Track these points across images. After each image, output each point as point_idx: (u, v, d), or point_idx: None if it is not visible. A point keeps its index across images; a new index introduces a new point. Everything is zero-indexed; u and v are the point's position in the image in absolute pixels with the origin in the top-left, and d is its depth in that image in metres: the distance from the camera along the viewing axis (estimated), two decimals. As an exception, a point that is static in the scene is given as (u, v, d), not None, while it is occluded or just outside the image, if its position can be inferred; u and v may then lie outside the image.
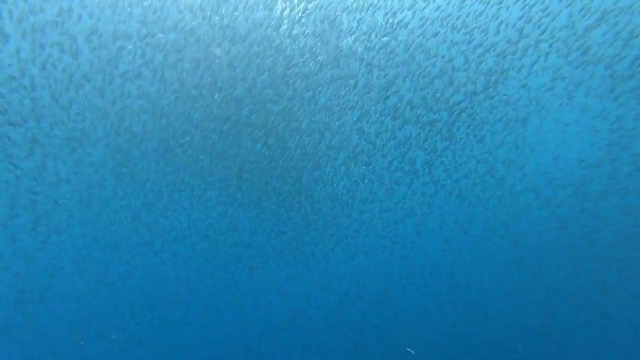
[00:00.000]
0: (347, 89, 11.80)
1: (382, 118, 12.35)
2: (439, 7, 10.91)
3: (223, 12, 10.37)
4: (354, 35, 11.06)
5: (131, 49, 10.44)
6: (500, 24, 11.20)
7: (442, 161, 13.39)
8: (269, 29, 10.69)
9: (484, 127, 12.87)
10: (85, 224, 12.78)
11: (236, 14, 10.43)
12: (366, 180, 13.57)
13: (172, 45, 10.59)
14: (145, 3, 9.98)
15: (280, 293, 15.87)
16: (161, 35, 10.43)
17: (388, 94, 11.48)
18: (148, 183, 12.91)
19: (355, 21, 10.95)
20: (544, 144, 13.38)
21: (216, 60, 11.01)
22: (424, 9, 10.91)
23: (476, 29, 11.28)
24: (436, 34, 11.34)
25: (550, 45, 11.52)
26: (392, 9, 10.87)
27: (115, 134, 11.55)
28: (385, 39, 11.21)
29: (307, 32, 10.80)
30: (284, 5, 10.40)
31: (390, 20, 11.04)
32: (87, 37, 10.05)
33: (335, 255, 15.31)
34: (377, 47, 11.31)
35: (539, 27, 11.18)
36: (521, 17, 11.12)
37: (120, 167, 12.10)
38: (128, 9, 9.94)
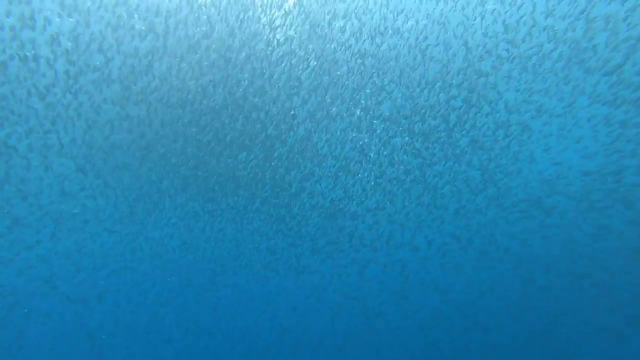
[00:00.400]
0: (337, 96, 11.03)
1: (374, 126, 11.59)
2: (435, 9, 10.20)
3: (205, 18, 9.55)
4: (341, 40, 10.31)
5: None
6: (502, 24, 10.52)
7: (439, 170, 12.66)
8: (253, 35, 9.90)
9: (484, 134, 12.18)
10: (56, 240, 11.86)
11: (218, 19, 9.63)
12: (358, 191, 12.79)
13: (152, 53, 9.75)
14: (121, 10, 9.12)
15: (267, 309, 15.05)
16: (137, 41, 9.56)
17: (380, 100, 10.73)
18: (127, 193, 12.02)
19: (343, 26, 10.20)
20: (546, 151, 12.76)
21: (198, 67, 10.19)
22: (418, 11, 10.18)
23: (475, 32, 10.58)
24: (432, 37, 10.62)
25: (553, 50, 10.88)
26: (382, 12, 10.13)
27: (88, 144, 10.65)
28: (377, 42, 10.46)
29: (292, 37, 10.03)
30: (267, 10, 9.62)
31: (382, 24, 10.30)
32: (57, 42, 9.17)
33: (326, 268, 14.53)
34: (367, 52, 10.55)
35: (542, 30, 10.51)
36: (521, 19, 10.45)
37: (94, 178, 11.19)
38: (107, 13, 9.07)
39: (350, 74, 10.76)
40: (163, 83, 10.14)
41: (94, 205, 11.58)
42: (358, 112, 11.33)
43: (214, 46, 10.06)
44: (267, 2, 9.65)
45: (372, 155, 12.17)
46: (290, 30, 10.00)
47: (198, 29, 9.70)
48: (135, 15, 9.34)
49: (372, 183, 12.78)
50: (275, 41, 10.10)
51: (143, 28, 9.52)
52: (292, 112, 10.87)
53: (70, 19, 9.16)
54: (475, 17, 10.50)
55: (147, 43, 9.70)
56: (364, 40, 10.32)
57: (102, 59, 9.68)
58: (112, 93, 10.15)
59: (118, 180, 11.72)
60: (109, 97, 10.22)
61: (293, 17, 9.85)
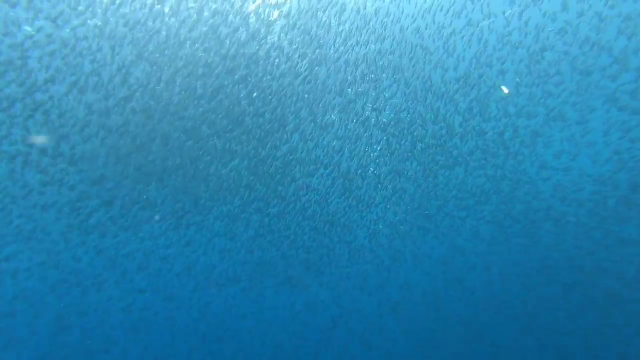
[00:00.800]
0: (335, 103, 10.30)
1: (374, 133, 10.86)
2: (437, 12, 9.55)
3: (195, 20, 8.78)
4: (337, 45, 9.63)
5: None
6: (510, 26, 9.83)
7: (446, 176, 11.93)
8: (246, 39, 9.18)
9: (491, 139, 11.46)
10: (28, 255, 11.01)
11: (209, 23, 8.89)
12: (357, 201, 12.03)
13: (138, 59, 8.96)
14: (98, 13, 8.29)
15: (259, 324, 14.31)
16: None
17: (381, 107, 10.00)
18: (108, 205, 11.15)
19: (339, 28, 9.51)
20: (556, 157, 12.10)
21: (187, 74, 9.43)
22: (420, 16, 9.52)
23: (484, 32, 9.87)
24: (436, 39, 9.93)
25: (566, 52, 10.20)
26: (380, 17, 9.47)
27: (60, 154, 9.77)
28: (378, 45, 9.76)
29: (284, 43, 9.31)
30: (257, 16, 8.92)
31: (381, 29, 9.63)
32: (27, 47, 8.32)
33: (322, 281, 13.78)
34: (366, 56, 9.85)
35: (557, 33, 9.81)
36: (527, 21, 9.77)
37: (67, 190, 10.31)
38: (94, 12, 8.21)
39: (348, 80, 10.04)
40: (147, 90, 9.35)
41: (68, 217, 10.71)
42: (357, 119, 10.61)
43: (202, 48, 9.30)
44: (258, 8, 8.98)
45: (372, 162, 11.46)
46: (282, 35, 9.32)
47: (183, 32, 8.95)
48: (116, 20, 8.53)
49: (373, 192, 12.04)
50: (267, 46, 9.40)
51: (125, 31, 8.72)
52: (286, 117, 10.09)
53: (41, 23, 8.35)
54: (482, 19, 9.85)
55: (130, 48, 8.91)
56: (362, 46, 9.67)
57: (78, 64, 8.85)
58: (91, 100, 9.32)
59: (100, 190, 10.87)
60: (89, 105, 9.39)
61: (284, 23, 9.16)
